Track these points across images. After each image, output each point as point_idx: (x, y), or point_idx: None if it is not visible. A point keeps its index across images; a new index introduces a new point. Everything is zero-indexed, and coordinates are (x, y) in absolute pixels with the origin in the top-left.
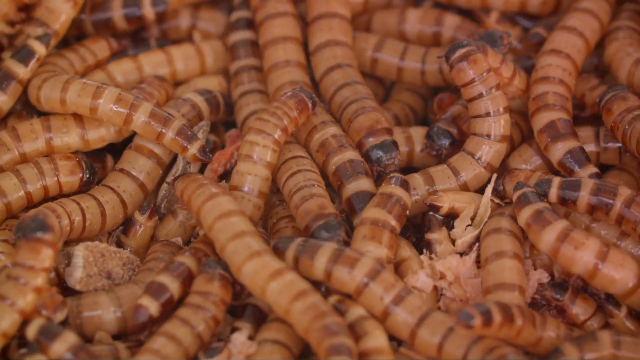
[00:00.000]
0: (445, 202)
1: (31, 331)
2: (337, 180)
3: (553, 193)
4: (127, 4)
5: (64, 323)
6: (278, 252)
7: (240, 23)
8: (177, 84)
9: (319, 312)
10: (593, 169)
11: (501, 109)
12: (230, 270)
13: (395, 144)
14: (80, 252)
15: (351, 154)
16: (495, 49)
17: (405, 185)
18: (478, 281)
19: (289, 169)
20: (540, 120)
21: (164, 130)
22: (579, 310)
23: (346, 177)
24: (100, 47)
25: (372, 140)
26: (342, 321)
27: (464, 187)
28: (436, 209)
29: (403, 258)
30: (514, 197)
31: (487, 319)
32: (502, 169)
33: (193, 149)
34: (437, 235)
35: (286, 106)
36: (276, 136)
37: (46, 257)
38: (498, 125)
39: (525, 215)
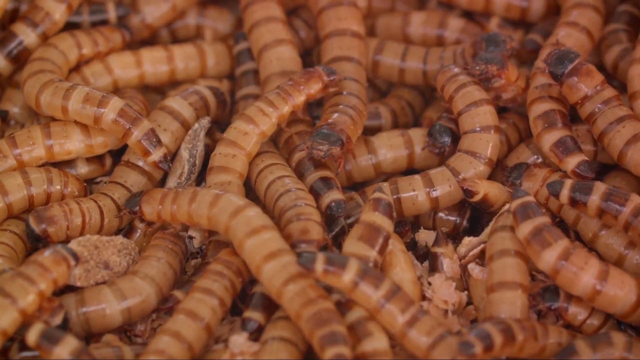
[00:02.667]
0: (481, 190)
1: (32, 336)
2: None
3: (564, 195)
4: (94, 10)
5: (65, 327)
6: (336, 266)
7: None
8: (174, 84)
9: (309, 298)
10: (581, 157)
11: (480, 100)
12: (235, 247)
13: (339, 140)
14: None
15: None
16: (497, 50)
17: (390, 211)
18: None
19: (275, 191)
20: (538, 108)
21: (132, 129)
22: (576, 310)
23: (306, 170)
24: (115, 36)
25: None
26: (333, 307)
27: None
28: (471, 194)
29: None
30: (512, 206)
31: (488, 345)
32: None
33: (155, 155)
34: (443, 250)
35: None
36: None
37: (63, 273)
38: (484, 116)
39: (524, 230)
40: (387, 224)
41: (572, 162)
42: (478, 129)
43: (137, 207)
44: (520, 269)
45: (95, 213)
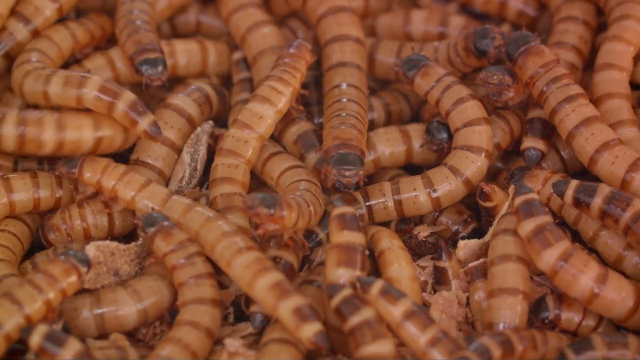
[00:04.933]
0: (495, 200)
1: (35, 339)
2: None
3: (569, 195)
4: None
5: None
6: (389, 297)
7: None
8: (174, 80)
9: (262, 267)
10: (536, 144)
11: (464, 96)
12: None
13: (360, 160)
14: (91, 253)
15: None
16: (485, 42)
17: (356, 222)
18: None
19: (297, 174)
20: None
21: (115, 102)
22: (569, 315)
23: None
24: (104, 20)
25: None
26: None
27: (467, 184)
28: (485, 197)
29: (382, 250)
30: (516, 202)
31: (487, 359)
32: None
33: (144, 123)
34: (448, 264)
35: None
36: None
37: (72, 284)
38: (472, 110)
39: (526, 228)
40: (358, 237)
41: (526, 143)
42: (468, 123)
43: (76, 170)
44: (521, 274)
45: (101, 215)
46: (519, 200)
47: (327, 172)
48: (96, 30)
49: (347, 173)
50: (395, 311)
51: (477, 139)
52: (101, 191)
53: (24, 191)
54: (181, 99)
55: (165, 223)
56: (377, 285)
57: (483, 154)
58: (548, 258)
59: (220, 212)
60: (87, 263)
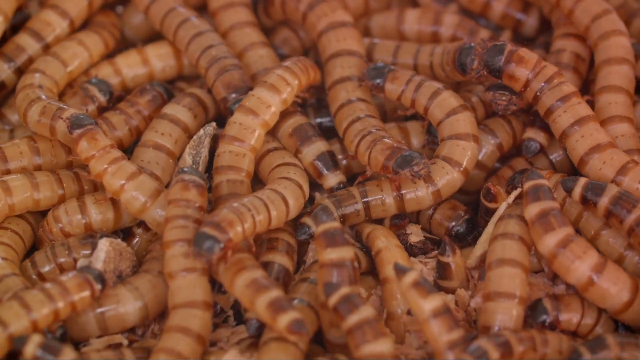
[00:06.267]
0: (501, 201)
1: (30, 348)
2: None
3: (576, 192)
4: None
5: (64, 340)
6: (422, 290)
7: None
8: (180, 78)
9: (241, 266)
10: (534, 136)
11: (439, 88)
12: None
13: (417, 152)
14: (104, 247)
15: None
16: (466, 61)
17: (341, 236)
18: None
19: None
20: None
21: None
22: (568, 315)
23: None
24: (112, 16)
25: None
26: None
27: (464, 171)
28: (490, 197)
29: (379, 249)
30: (525, 186)
31: None
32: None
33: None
34: (451, 259)
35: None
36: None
37: (84, 299)
38: (450, 101)
39: (532, 211)
40: (345, 252)
41: (527, 134)
42: (451, 112)
43: (77, 133)
44: (518, 279)
45: (74, 212)
46: (528, 184)
47: (397, 179)
48: (115, 32)
49: (417, 168)
50: (426, 306)
51: (463, 126)
52: (86, 163)
53: (24, 192)
54: (171, 108)
55: (91, 126)
56: (411, 275)
57: (472, 140)
58: (548, 242)
59: (224, 197)
60: (103, 281)
